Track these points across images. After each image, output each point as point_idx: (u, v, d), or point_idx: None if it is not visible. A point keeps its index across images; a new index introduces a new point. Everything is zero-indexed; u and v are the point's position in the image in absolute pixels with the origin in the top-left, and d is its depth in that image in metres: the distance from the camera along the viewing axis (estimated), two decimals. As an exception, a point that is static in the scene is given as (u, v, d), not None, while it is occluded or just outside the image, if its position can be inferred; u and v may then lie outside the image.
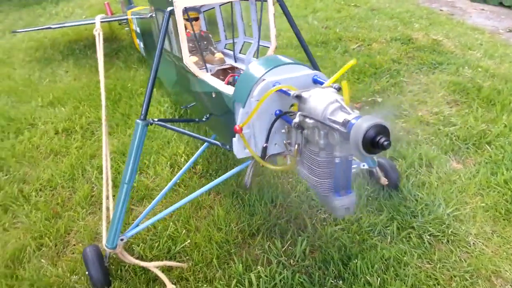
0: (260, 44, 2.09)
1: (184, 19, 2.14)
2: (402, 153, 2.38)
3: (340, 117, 1.20)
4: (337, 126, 1.19)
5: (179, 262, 1.77)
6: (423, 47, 3.79)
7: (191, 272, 1.72)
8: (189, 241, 1.85)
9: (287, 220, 1.96)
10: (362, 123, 1.11)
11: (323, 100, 1.26)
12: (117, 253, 1.71)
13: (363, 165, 2.10)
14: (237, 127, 1.41)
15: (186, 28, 2.20)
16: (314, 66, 1.98)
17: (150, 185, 2.22)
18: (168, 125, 1.81)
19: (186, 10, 2.14)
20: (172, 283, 1.65)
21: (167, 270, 1.73)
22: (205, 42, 2.23)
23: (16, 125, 2.79)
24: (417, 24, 4.41)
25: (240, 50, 2.26)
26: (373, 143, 1.10)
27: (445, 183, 2.17)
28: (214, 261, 1.75)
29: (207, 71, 1.96)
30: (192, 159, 2.02)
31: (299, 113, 1.28)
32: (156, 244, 1.84)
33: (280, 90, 1.37)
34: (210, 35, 2.28)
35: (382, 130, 1.11)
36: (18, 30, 4.05)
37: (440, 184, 2.17)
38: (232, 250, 1.81)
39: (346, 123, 1.17)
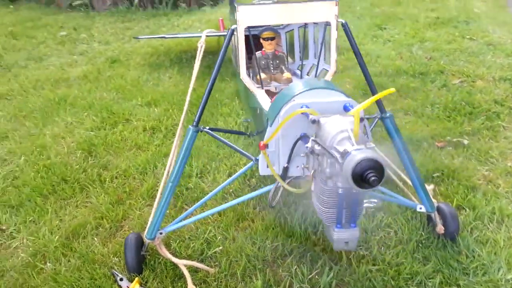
0: (324, 67, 2.10)
1: (262, 38, 2.28)
2: (473, 203, 2.14)
3: (344, 147, 1.17)
4: (337, 156, 1.16)
5: (207, 266, 1.85)
6: (538, 90, 3.35)
7: (214, 278, 1.78)
8: (221, 247, 1.92)
9: (323, 248, 1.92)
10: (356, 156, 1.08)
11: (335, 128, 1.24)
12: (156, 245, 1.87)
13: (420, 208, 1.96)
14: (261, 143, 1.45)
15: (263, 47, 2.33)
16: (369, 86, 1.92)
17: (206, 189, 2.36)
18: (217, 135, 1.91)
19: (263, 30, 2.26)
20: (194, 284, 1.73)
21: (194, 270, 1.82)
22: (277, 61, 2.31)
23: (114, 119, 3.19)
24: (539, 65, 3.91)
25: (308, 72, 2.29)
26: (362, 177, 1.06)
27: (514, 246, 1.91)
28: (238, 272, 1.80)
29: (262, 88, 2.03)
30: (242, 170, 2.09)
31: (311, 138, 1.28)
32: (192, 244, 1.96)
33: (304, 113, 1.38)
34: (284, 55, 2.36)
35: (375, 165, 1.06)
36: (139, 37, 4.63)
37: (507, 245, 1.90)
38: (259, 266, 1.83)
39: (344, 154, 1.14)
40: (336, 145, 1.20)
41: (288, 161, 1.46)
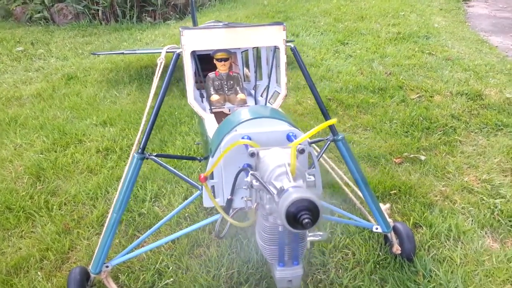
0: (276, 89, 2.07)
1: (215, 59, 2.23)
2: (430, 220, 2.14)
3: (281, 183, 1.12)
4: (274, 193, 1.11)
5: (159, 298, 1.75)
6: (492, 105, 3.44)
7: (165, 312, 1.69)
8: (173, 278, 1.83)
9: (279, 274, 1.86)
10: (290, 195, 1.02)
11: (273, 162, 1.18)
12: (102, 279, 1.75)
13: (376, 228, 1.94)
14: (201, 175, 1.38)
15: (216, 68, 2.28)
16: (326, 118, 1.88)
17: (161, 214, 2.26)
18: (163, 163, 1.82)
19: (216, 51, 2.21)
20: (142, 320, 1.63)
21: (145, 305, 1.72)
22: (231, 82, 2.26)
23: (66, 139, 3.05)
24: (494, 79, 4.03)
25: (262, 94, 2.26)
26: (295, 218, 1.00)
27: (470, 263, 1.90)
28: (190, 305, 1.71)
29: (211, 112, 1.98)
30: (188, 200, 1.99)
31: (250, 172, 1.22)
32: (143, 276, 1.85)
33: (245, 145, 1.32)
34: (239, 76, 2.31)
35: (309, 206, 1.00)
36: (97, 52, 4.50)
37: (464, 263, 1.90)
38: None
39: (281, 191, 1.08)
40: (273, 180, 1.14)
41: (232, 193, 1.39)
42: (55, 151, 2.92)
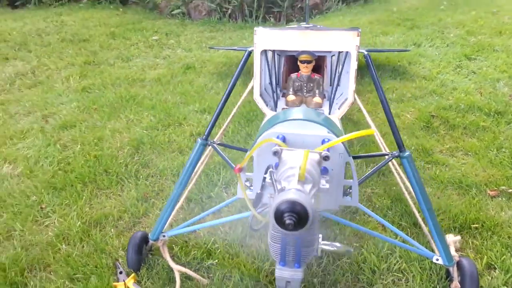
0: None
1: (299, 61, 2.27)
2: (508, 264, 1.87)
3: (285, 184, 1.11)
4: (276, 192, 1.11)
5: (203, 276, 1.87)
6: None
7: (204, 287, 1.80)
8: (217, 260, 1.93)
9: (321, 281, 1.83)
10: (282, 195, 1.01)
11: (289, 163, 1.18)
12: (159, 246, 1.95)
13: (436, 259, 1.77)
14: (237, 166, 1.43)
15: (297, 69, 2.32)
16: (394, 132, 1.77)
17: (226, 199, 2.38)
18: (221, 152, 1.92)
19: (300, 53, 2.24)
20: (182, 291, 1.77)
21: (189, 278, 1.85)
22: (311, 85, 2.28)
23: (169, 121, 3.39)
24: None
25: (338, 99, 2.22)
26: (281, 219, 0.99)
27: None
28: (225, 288, 1.80)
29: (275, 110, 2.03)
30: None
31: (270, 170, 1.23)
32: (194, 252, 2.00)
33: (271, 144, 1.34)
34: (321, 79, 2.31)
35: (294, 209, 0.98)
36: (213, 47, 4.85)
37: (536, 322, 1.63)
38: (251, 286, 1.81)
39: (280, 191, 1.08)
40: (282, 180, 1.15)
41: (261, 188, 1.43)
42: (157, 129, 3.27)
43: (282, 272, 1.27)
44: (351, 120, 3.36)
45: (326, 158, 1.25)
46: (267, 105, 2.06)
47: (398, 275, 1.87)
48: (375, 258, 1.94)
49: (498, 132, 3.10)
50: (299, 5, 7.92)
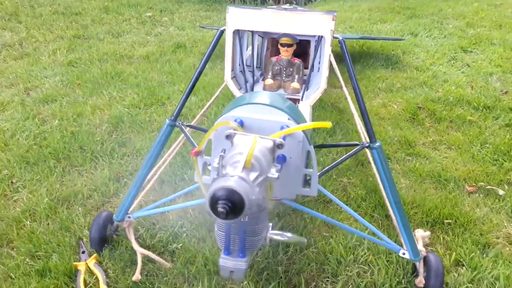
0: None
1: (280, 43, 2.20)
2: (476, 262, 1.85)
3: (228, 170, 1.07)
4: (218, 177, 1.06)
5: (166, 260, 1.85)
6: None
7: (166, 273, 1.77)
8: (181, 244, 1.91)
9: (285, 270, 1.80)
10: (219, 182, 0.97)
11: (238, 148, 1.14)
12: (125, 227, 1.91)
13: (403, 253, 1.74)
14: (194, 149, 1.39)
15: (279, 52, 2.25)
16: (365, 122, 1.72)
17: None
18: (188, 134, 1.87)
19: (281, 36, 2.17)
20: (142, 274, 1.74)
21: (152, 261, 1.82)
22: (291, 69, 2.21)
23: (152, 100, 3.33)
24: None
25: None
26: (214, 205, 0.95)
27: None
28: (187, 274, 1.77)
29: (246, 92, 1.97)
30: None
31: (220, 153, 1.19)
32: (160, 235, 1.97)
33: (227, 127, 1.29)
34: (301, 65, 2.25)
35: (229, 196, 0.94)
36: (203, 26, 4.75)
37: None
38: (212, 269, 1.78)
39: (222, 176, 1.03)
40: (229, 165, 1.10)
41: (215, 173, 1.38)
42: (139, 108, 3.21)
43: (225, 262, 1.24)
44: (336, 108, 3.30)
45: (280, 146, 1.21)
46: (240, 89, 2.01)
47: (364, 267, 1.84)
48: (342, 248, 1.91)
49: (484, 127, 3.05)
50: (300, -12, 7.77)
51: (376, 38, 4.57)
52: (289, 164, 1.35)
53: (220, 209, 0.95)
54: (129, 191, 1.86)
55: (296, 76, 2.20)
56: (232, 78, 2.04)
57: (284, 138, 1.26)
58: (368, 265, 1.86)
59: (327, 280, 1.79)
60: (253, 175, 1.07)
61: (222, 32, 1.85)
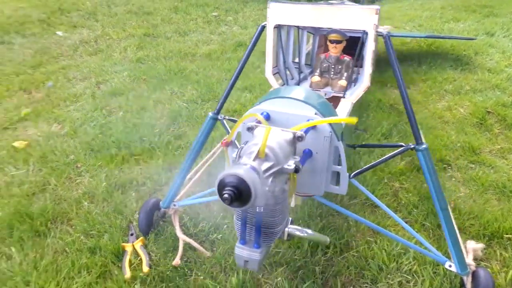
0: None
1: (328, 40, 2.17)
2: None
3: (242, 159, 1.07)
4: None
5: (207, 249, 1.90)
6: None
7: (203, 262, 1.83)
8: (221, 235, 1.95)
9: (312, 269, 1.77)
10: (230, 168, 0.98)
11: (256, 139, 1.13)
12: (171, 214, 2.00)
13: (449, 266, 1.64)
14: (224, 140, 1.41)
15: (328, 49, 2.21)
16: (411, 123, 1.63)
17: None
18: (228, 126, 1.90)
19: (330, 32, 2.14)
20: (182, 260, 1.81)
21: (191, 248, 1.89)
22: (339, 67, 2.16)
23: (209, 96, 3.43)
24: None
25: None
26: (221, 193, 0.96)
27: None
28: (224, 264, 1.80)
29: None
30: None
31: (241, 145, 1.19)
32: (202, 225, 2.03)
33: (253, 119, 1.30)
34: (351, 61, 2.19)
35: (235, 183, 0.95)
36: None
37: None
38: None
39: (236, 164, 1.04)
40: (244, 155, 1.10)
41: None
42: (197, 103, 3.33)
43: (241, 251, 1.25)
44: (395, 109, 3.17)
45: (299, 138, 1.19)
46: (284, 85, 2.00)
47: (408, 277, 1.76)
48: (385, 255, 1.84)
49: (562, 136, 2.76)
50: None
51: (445, 37, 4.31)
52: (315, 159, 1.33)
53: (225, 195, 0.97)
54: (174, 180, 1.94)
55: (345, 74, 2.15)
56: (275, 74, 2.04)
57: (306, 131, 1.24)
58: (412, 275, 1.77)
59: (366, 286, 1.74)
60: (266, 165, 1.07)
61: (264, 27, 1.86)
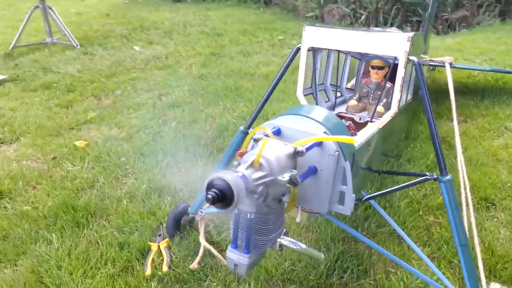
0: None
1: (370, 66, 2.19)
2: None
3: (241, 167, 1.12)
4: None
5: (225, 258, 1.97)
6: None
7: (220, 269, 1.90)
8: (241, 246, 2.00)
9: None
10: (221, 172, 1.03)
11: (255, 150, 1.18)
12: (197, 220, 2.11)
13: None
14: (239, 151, 1.47)
15: (369, 75, 2.22)
16: (437, 153, 1.59)
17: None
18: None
19: (373, 58, 2.15)
20: (199, 265, 1.90)
21: (211, 255, 1.97)
22: (379, 93, 2.16)
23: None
24: None
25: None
26: (206, 191, 1.02)
27: None
28: (238, 274, 1.85)
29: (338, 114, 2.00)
30: None
31: (244, 156, 1.24)
32: (226, 234, 2.10)
33: (262, 132, 1.35)
34: (392, 88, 2.17)
35: (219, 185, 0.99)
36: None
37: None
38: (262, 278, 1.84)
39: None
40: (242, 163, 1.16)
41: None
42: (245, 120, 3.45)
43: (230, 254, 1.29)
44: (445, 141, 3.04)
45: (299, 153, 1.23)
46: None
47: (422, 310, 1.69)
48: (403, 287, 1.77)
49: None
50: (445, 17, 7.33)
51: (509, 72, 4.05)
52: (319, 176, 1.35)
53: (209, 195, 1.03)
54: (203, 188, 2.04)
55: (384, 100, 2.13)
56: (307, 95, 2.09)
57: (310, 148, 1.28)
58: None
59: (377, 314, 1.69)
60: (258, 174, 1.12)
61: (298, 49, 1.93)
